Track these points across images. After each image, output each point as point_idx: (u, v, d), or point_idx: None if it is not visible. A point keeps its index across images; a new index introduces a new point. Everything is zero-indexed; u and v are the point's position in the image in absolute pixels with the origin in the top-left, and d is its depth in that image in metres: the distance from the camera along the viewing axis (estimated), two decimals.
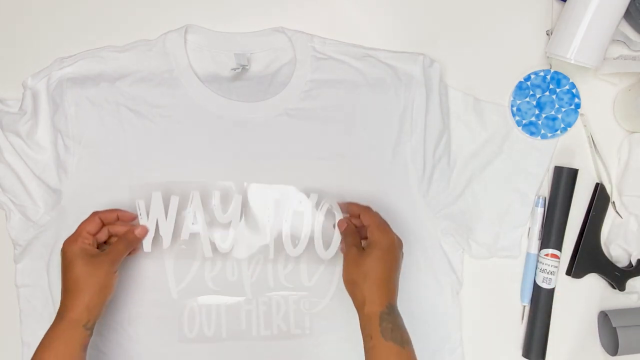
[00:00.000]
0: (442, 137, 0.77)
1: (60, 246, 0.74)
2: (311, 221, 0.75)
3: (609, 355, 0.79)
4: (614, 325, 0.76)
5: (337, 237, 0.74)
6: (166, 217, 0.73)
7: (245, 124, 0.76)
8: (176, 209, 0.73)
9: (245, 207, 0.75)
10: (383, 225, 0.70)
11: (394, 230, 0.70)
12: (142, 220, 0.73)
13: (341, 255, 0.71)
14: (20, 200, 0.74)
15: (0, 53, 0.78)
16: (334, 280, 0.76)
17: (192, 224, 0.74)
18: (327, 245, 0.75)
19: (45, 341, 0.64)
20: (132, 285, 0.74)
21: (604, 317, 0.79)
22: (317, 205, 0.75)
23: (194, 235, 0.74)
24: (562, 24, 0.74)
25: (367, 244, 0.69)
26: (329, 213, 0.75)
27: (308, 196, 0.75)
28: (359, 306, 0.66)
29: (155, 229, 0.73)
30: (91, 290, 0.66)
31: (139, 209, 0.73)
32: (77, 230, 0.69)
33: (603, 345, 0.80)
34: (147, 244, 0.73)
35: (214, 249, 0.75)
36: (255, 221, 0.75)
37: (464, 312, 0.79)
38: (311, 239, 0.75)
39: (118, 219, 0.73)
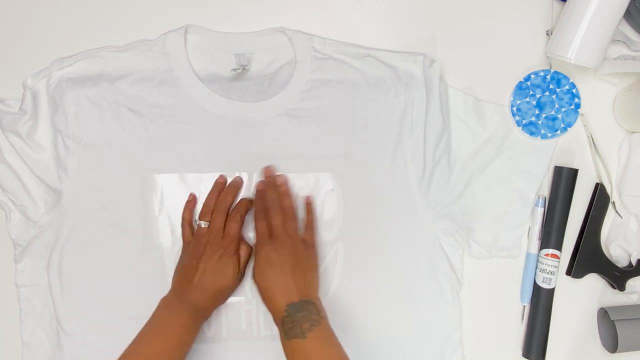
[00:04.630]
0: (442, 137, 0.77)
1: (61, 246, 0.74)
2: (312, 204, 0.76)
3: (609, 355, 0.79)
4: (612, 319, 0.76)
5: (339, 217, 0.76)
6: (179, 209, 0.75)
7: (245, 124, 0.76)
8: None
9: (248, 195, 0.76)
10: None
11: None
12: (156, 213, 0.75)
13: (342, 249, 0.74)
14: (20, 200, 0.74)
15: (0, 53, 0.78)
16: (333, 280, 0.76)
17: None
18: (329, 226, 0.76)
19: (174, 323, 0.68)
20: (132, 286, 0.74)
21: (604, 314, 0.79)
22: (317, 187, 0.76)
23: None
24: (562, 24, 0.74)
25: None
26: (329, 194, 0.76)
27: (309, 182, 0.76)
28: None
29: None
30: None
31: (154, 202, 0.75)
32: (235, 244, 0.72)
33: (603, 342, 0.80)
34: (166, 236, 0.75)
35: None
36: None
37: (464, 312, 0.79)
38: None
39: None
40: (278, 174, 0.75)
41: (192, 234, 0.74)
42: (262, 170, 0.75)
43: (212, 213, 0.74)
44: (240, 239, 0.74)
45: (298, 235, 0.73)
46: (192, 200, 0.75)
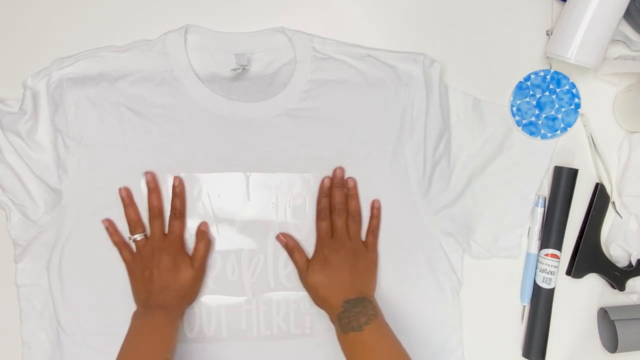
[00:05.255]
0: (443, 137, 0.77)
1: (61, 246, 0.74)
2: (313, 204, 0.76)
3: (609, 355, 0.79)
4: (612, 319, 0.76)
5: None
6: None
7: (245, 124, 0.76)
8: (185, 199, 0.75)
9: (248, 195, 0.76)
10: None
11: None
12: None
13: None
14: (20, 200, 0.74)
15: (0, 53, 0.78)
16: None
17: (199, 213, 0.75)
18: None
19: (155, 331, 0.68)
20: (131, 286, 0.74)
21: (604, 314, 0.79)
22: (317, 187, 0.76)
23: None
24: (562, 24, 0.74)
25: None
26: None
27: (309, 182, 0.76)
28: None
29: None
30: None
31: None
32: (180, 241, 0.73)
33: (603, 342, 0.80)
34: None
35: (222, 236, 0.75)
36: (260, 208, 0.76)
37: (464, 312, 0.79)
38: (314, 221, 0.76)
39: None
40: (348, 176, 0.76)
41: (131, 253, 0.73)
42: (333, 171, 0.75)
43: (142, 223, 0.74)
44: (203, 235, 0.74)
45: (360, 238, 0.75)
46: (110, 225, 0.74)
